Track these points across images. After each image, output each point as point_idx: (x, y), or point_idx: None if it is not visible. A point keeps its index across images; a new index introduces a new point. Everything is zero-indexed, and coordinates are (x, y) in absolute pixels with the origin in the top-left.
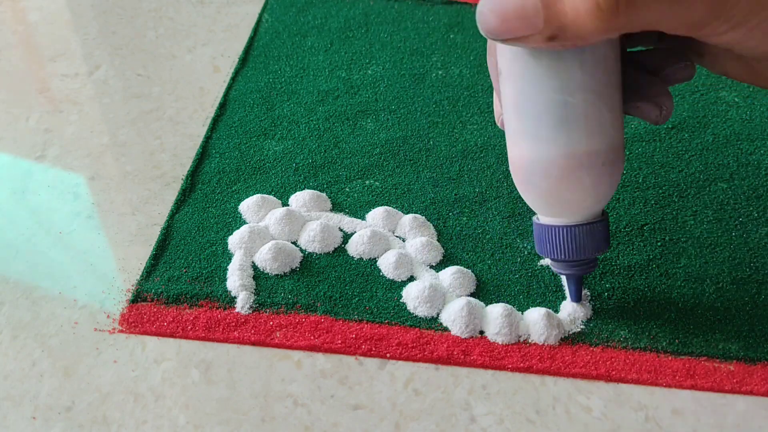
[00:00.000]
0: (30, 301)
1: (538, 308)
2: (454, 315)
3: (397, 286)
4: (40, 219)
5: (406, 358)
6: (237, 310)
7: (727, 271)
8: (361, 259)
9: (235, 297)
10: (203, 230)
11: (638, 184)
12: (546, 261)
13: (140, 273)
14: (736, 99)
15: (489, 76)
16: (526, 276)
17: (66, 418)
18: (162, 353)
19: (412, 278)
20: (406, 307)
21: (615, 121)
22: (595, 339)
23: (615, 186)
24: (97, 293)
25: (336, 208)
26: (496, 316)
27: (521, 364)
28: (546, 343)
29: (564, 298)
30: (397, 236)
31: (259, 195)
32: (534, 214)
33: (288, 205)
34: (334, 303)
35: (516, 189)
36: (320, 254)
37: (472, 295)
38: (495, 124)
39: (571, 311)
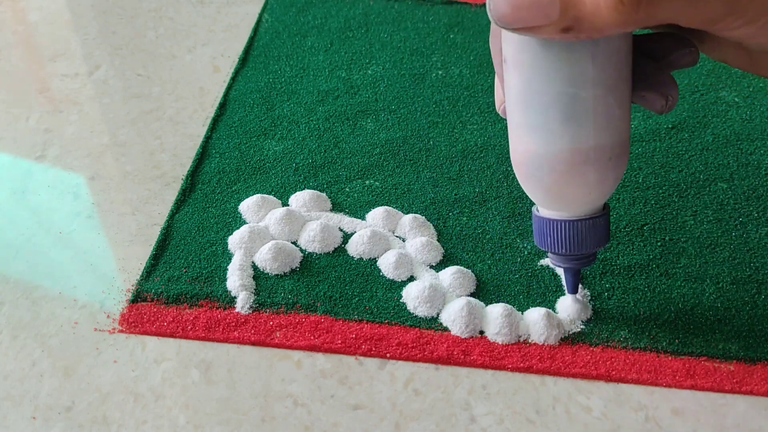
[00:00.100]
0: (30, 301)
1: (538, 308)
2: (454, 315)
3: (397, 286)
4: (40, 219)
5: (406, 358)
6: (237, 310)
7: (727, 271)
8: (361, 259)
9: (235, 297)
10: (203, 230)
11: (638, 184)
12: (546, 261)
13: (140, 273)
14: (736, 99)
15: (489, 76)
16: (526, 276)
17: (66, 418)
18: (162, 353)
19: (412, 278)
20: (406, 307)
21: (624, 116)
22: (595, 339)
23: (619, 180)
24: (97, 293)
25: (336, 208)
26: (496, 316)
27: (521, 364)
28: (546, 343)
29: (563, 294)
30: (397, 236)
31: (259, 195)
32: (533, 204)
33: (288, 205)
34: (334, 303)
35: (516, 189)
36: (320, 254)
37: (472, 295)
38: (495, 124)
39: (568, 308)
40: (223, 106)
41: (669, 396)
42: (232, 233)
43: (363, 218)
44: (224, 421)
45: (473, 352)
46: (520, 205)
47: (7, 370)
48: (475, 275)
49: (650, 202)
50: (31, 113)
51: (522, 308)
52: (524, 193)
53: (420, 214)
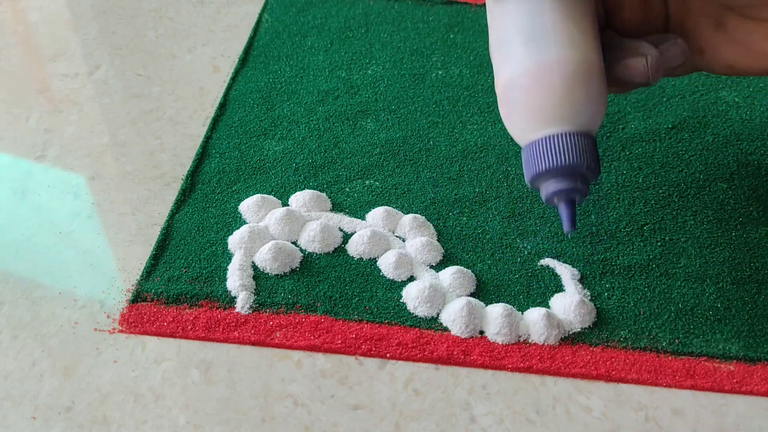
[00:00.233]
0: (30, 301)
1: (538, 308)
2: (454, 315)
3: (397, 286)
4: (40, 219)
5: (406, 358)
6: (237, 310)
7: (727, 271)
8: (361, 259)
9: (235, 297)
10: (203, 230)
11: (638, 184)
12: (546, 261)
13: (140, 273)
14: (736, 99)
15: (489, 76)
16: (526, 276)
17: (66, 418)
18: (162, 353)
19: (412, 278)
20: (406, 307)
21: (585, 38)
22: (595, 339)
23: (594, 103)
24: (97, 293)
25: (336, 208)
26: (496, 316)
27: (521, 364)
28: (546, 343)
29: (562, 290)
30: (397, 236)
31: (259, 195)
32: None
33: (288, 205)
34: (334, 303)
35: (516, 189)
36: (320, 254)
37: (472, 295)
38: (495, 124)
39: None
40: (223, 106)
41: (669, 396)
42: (232, 233)
43: (363, 218)
44: (224, 421)
45: (473, 352)
46: (520, 205)
47: (7, 370)
48: (475, 275)
49: (650, 202)
50: (31, 113)
51: (522, 308)
52: (524, 193)
53: (420, 214)
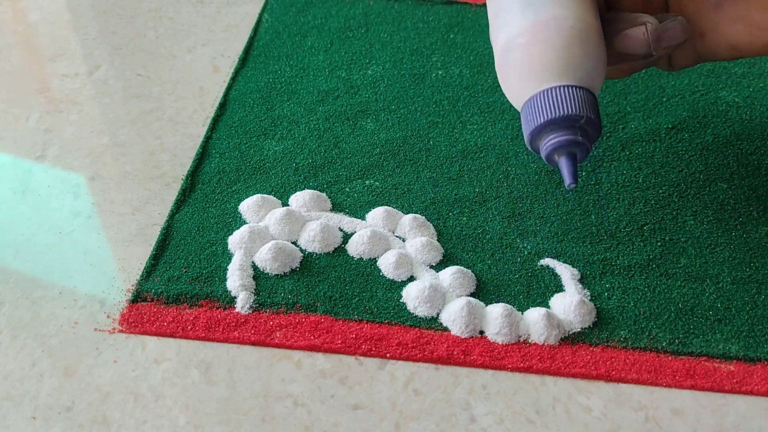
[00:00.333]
0: (30, 301)
1: (538, 308)
2: (454, 315)
3: (397, 286)
4: (40, 219)
5: (406, 358)
6: (237, 310)
7: (727, 271)
8: (361, 259)
9: (235, 297)
10: (203, 230)
11: (638, 184)
12: (546, 261)
13: (140, 273)
14: (736, 99)
15: (489, 76)
16: (526, 276)
17: (66, 418)
18: (162, 353)
19: (412, 278)
20: (406, 307)
21: (582, 1)
22: (595, 339)
23: (593, 61)
24: (97, 293)
25: (336, 208)
26: (496, 316)
27: (521, 364)
28: (546, 343)
29: (562, 290)
30: (397, 236)
31: (259, 195)
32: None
33: (288, 205)
34: (334, 303)
35: (516, 189)
36: (320, 254)
37: (472, 295)
38: (495, 124)
39: (562, 306)
40: (223, 106)
41: (669, 396)
42: (232, 233)
43: (363, 218)
44: (224, 421)
45: (473, 352)
46: (520, 205)
47: (7, 370)
48: (475, 275)
49: (650, 202)
50: (31, 113)
51: (522, 308)
52: (524, 193)
53: (420, 214)
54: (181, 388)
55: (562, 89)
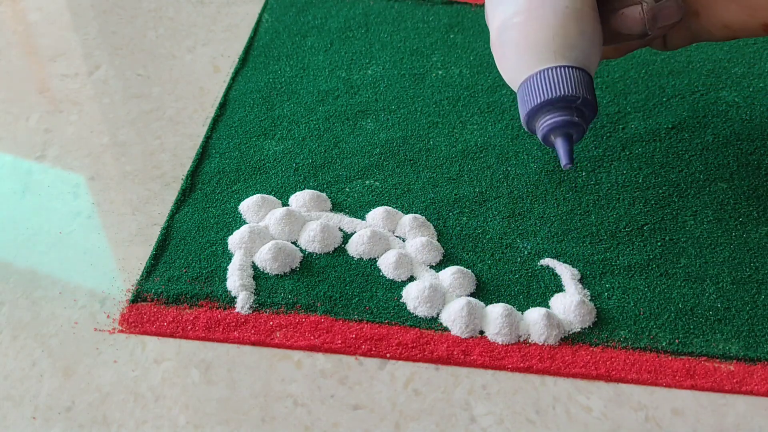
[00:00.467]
0: (30, 301)
1: (538, 308)
2: (454, 315)
3: (397, 286)
4: (40, 219)
5: (406, 358)
6: (237, 310)
7: (727, 271)
8: (361, 259)
9: (235, 297)
10: (203, 230)
11: (638, 184)
12: (546, 261)
13: (140, 273)
14: (736, 99)
15: (489, 76)
16: (526, 276)
17: (66, 418)
18: (162, 353)
19: (412, 278)
20: (406, 307)
21: None
22: (595, 339)
23: (588, 40)
24: (97, 293)
25: (336, 208)
26: (496, 316)
27: (521, 364)
28: (546, 343)
29: (562, 290)
30: (397, 236)
31: (259, 195)
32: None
33: (288, 205)
34: (334, 303)
35: (516, 189)
36: (320, 254)
37: (472, 295)
38: (495, 124)
39: (562, 306)
40: (223, 106)
41: (669, 396)
42: (232, 233)
43: (363, 218)
44: (224, 421)
45: (473, 352)
46: (520, 205)
47: (7, 370)
48: (475, 275)
49: (650, 202)
50: (31, 113)
51: (522, 308)
52: (524, 193)
53: (420, 214)
54: (181, 388)
55: (558, 69)
